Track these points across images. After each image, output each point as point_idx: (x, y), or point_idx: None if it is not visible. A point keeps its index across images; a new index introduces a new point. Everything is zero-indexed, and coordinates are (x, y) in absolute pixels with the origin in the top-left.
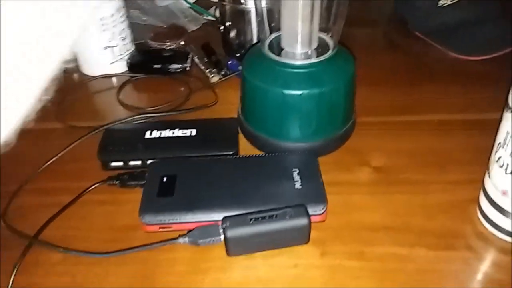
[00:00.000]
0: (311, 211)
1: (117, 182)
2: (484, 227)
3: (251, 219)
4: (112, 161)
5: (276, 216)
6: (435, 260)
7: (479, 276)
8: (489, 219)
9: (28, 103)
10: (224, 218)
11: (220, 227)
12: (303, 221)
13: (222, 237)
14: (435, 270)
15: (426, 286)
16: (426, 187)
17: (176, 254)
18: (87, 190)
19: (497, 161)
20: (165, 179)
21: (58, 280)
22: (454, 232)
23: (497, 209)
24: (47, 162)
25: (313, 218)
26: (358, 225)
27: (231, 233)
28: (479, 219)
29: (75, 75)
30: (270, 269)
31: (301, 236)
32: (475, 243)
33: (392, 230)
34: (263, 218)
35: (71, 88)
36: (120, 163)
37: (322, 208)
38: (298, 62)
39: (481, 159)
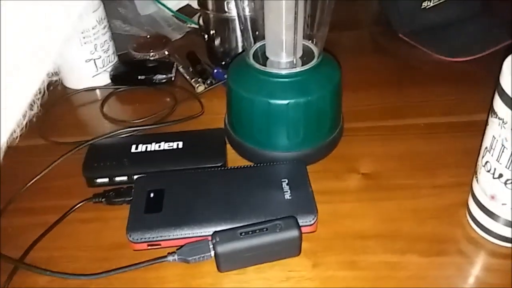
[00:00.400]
0: (301, 222)
1: (103, 199)
2: (474, 231)
3: (241, 233)
4: (97, 178)
5: (267, 229)
6: (427, 266)
7: (471, 281)
8: (479, 223)
9: (14, 117)
10: (214, 233)
11: (210, 242)
12: (294, 233)
13: (212, 253)
14: (427, 276)
15: None
16: (415, 192)
17: (165, 272)
18: (73, 209)
19: (484, 166)
20: (152, 194)
21: None
22: (445, 237)
23: (486, 213)
24: (31, 180)
25: (303, 229)
26: (349, 234)
27: (221, 248)
28: (469, 223)
29: (58, 89)
30: (263, 283)
31: (293, 248)
32: (466, 248)
33: (383, 238)
34: (253, 231)
35: (53, 102)
36: (106, 180)
37: (313, 219)
38: (284, 71)
39: (468, 161)
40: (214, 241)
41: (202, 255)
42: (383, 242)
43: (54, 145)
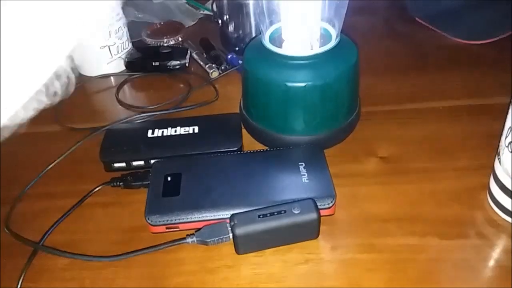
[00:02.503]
0: (319, 204)
1: (121, 183)
2: (496, 213)
3: (259, 216)
4: (114, 162)
5: (285, 211)
6: (447, 249)
7: (492, 264)
8: (501, 205)
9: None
10: (232, 215)
11: (228, 225)
12: (312, 215)
13: (230, 235)
14: (447, 259)
15: (439, 276)
16: (435, 175)
17: (184, 254)
18: (91, 193)
19: (507, 146)
20: (169, 178)
21: (66, 285)
22: (465, 219)
23: (508, 195)
24: (48, 166)
25: (322, 212)
26: (368, 217)
27: (239, 230)
28: (490, 205)
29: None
30: (281, 266)
31: (311, 231)
32: (487, 230)
33: (402, 221)
34: (272, 214)
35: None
36: (123, 164)
37: (331, 202)
38: (301, 54)
39: (489, 144)
40: (232, 223)
41: (221, 237)
42: (402, 225)
43: (71, 132)
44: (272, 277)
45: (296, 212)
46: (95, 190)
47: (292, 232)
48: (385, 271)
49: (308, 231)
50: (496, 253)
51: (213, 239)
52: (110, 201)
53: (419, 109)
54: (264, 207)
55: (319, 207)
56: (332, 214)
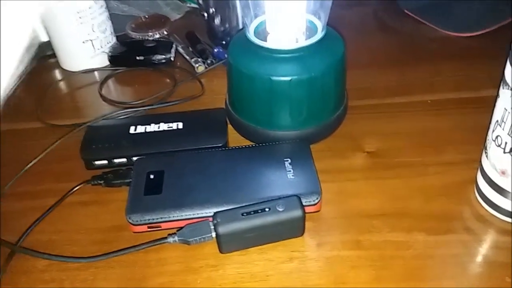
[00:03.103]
0: (305, 201)
1: (102, 181)
2: (483, 208)
3: (242, 214)
4: (95, 160)
5: (269, 209)
6: (435, 245)
7: (479, 259)
8: (488, 199)
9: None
10: (215, 214)
11: (211, 223)
12: (297, 212)
13: (213, 234)
14: (434, 255)
15: (426, 272)
16: (422, 169)
17: (166, 254)
18: (71, 192)
19: (494, 140)
20: (152, 176)
21: (45, 287)
22: (452, 215)
23: (495, 190)
24: (28, 164)
25: (307, 209)
26: (354, 213)
27: (222, 229)
28: (477, 200)
29: (55, 71)
30: (265, 264)
31: (296, 228)
32: (474, 225)
33: (389, 216)
34: (255, 212)
35: (51, 85)
36: (104, 162)
37: (316, 198)
38: (286, 47)
39: (476, 138)
40: (215, 221)
41: (203, 236)
42: (389, 220)
43: (52, 128)
44: (256, 276)
45: (281, 209)
46: (75, 189)
47: (277, 230)
48: (371, 268)
49: (293, 229)
50: (484, 249)
51: (195, 238)
52: (91, 200)
53: (407, 103)
54: (248, 205)
55: (305, 203)
56: (318, 211)
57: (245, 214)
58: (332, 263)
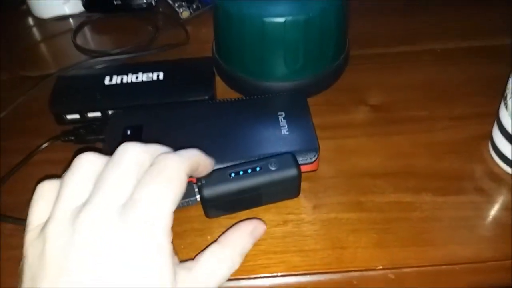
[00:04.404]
0: (301, 159)
1: (73, 137)
2: (498, 166)
3: (230, 174)
4: (67, 114)
5: (260, 168)
6: (443, 206)
7: (492, 222)
8: (504, 156)
9: None
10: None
11: (195, 186)
12: (292, 171)
13: (198, 197)
14: (443, 217)
15: (433, 236)
16: (430, 124)
17: None
18: (39, 149)
19: None
20: (129, 131)
21: (12, 254)
22: (463, 173)
23: None
24: None
25: (303, 168)
26: (355, 172)
27: (208, 192)
28: (491, 157)
29: (26, 19)
30: None
31: (291, 190)
32: (487, 185)
33: (393, 176)
34: (245, 171)
35: (20, 33)
36: (77, 116)
37: (314, 156)
38: None
39: (490, 90)
40: (199, 183)
41: (186, 200)
42: (393, 180)
43: (21, 80)
44: None
45: (273, 168)
46: (43, 146)
47: (269, 191)
48: (373, 232)
49: (287, 190)
50: (497, 211)
51: None
52: (61, 158)
53: (414, 52)
54: (236, 164)
55: (301, 162)
56: (315, 170)
57: (233, 175)
58: (330, 227)
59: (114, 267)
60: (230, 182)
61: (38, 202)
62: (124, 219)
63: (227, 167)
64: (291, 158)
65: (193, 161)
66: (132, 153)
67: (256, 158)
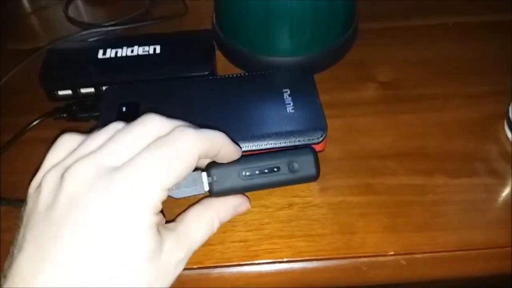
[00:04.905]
0: (307, 139)
1: (65, 114)
2: None
3: (245, 173)
4: (58, 89)
5: (278, 168)
6: (457, 189)
7: (508, 205)
8: None
9: None
10: (209, 166)
11: (203, 176)
12: (310, 174)
13: (206, 189)
14: (456, 200)
15: (447, 220)
16: (443, 102)
17: None
18: (30, 126)
19: None
20: (124, 108)
21: (3, 237)
22: (478, 154)
23: None
24: None
25: None
26: (364, 153)
27: (218, 189)
28: (507, 137)
29: None
30: (261, 211)
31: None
32: (504, 167)
33: (404, 157)
34: (261, 172)
35: (9, 4)
36: (69, 91)
37: (321, 135)
38: None
39: (504, 67)
40: (210, 179)
41: (194, 191)
42: (405, 161)
43: (9, 54)
44: (250, 224)
45: (292, 170)
46: (34, 123)
47: (283, 186)
48: (384, 216)
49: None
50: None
51: (178, 191)
52: (53, 136)
53: (426, 26)
54: (251, 160)
55: (307, 142)
56: (322, 151)
57: (247, 174)
58: (338, 210)
59: (89, 230)
60: (243, 181)
61: (53, 150)
62: (111, 180)
63: (241, 161)
64: (312, 160)
65: (213, 143)
66: (152, 121)
67: (260, 135)
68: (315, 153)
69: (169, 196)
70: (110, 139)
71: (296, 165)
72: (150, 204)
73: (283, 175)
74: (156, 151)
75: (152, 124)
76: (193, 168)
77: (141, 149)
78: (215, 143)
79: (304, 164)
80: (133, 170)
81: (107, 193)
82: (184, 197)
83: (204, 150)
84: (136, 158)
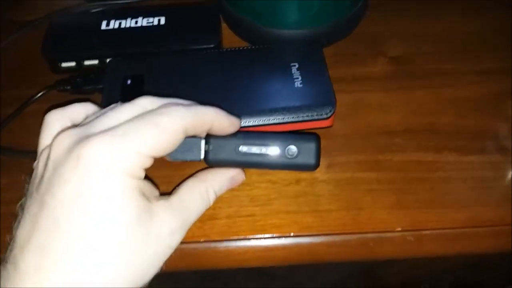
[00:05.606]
0: (315, 114)
1: (69, 87)
2: None
3: (241, 149)
4: (62, 61)
5: (277, 151)
6: (467, 166)
7: None
8: None
9: None
10: (208, 137)
11: (202, 142)
12: (309, 163)
13: (202, 156)
14: (467, 178)
15: (456, 198)
16: (454, 79)
17: (148, 171)
18: (33, 99)
19: None
20: (129, 81)
21: (7, 209)
22: (490, 132)
23: None
24: None
25: (317, 123)
26: (373, 129)
27: (213, 158)
28: None
29: None
30: (268, 187)
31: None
32: None
33: (414, 133)
34: (259, 151)
35: None
36: (72, 63)
37: (330, 111)
38: None
39: None
40: (206, 147)
41: (189, 156)
42: (414, 138)
43: (9, 24)
44: (256, 199)
45: (290, 156)
46: (37, 95)
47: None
48: (392, 193)
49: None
50: None
51: (176, 154)
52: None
53: (439, 0)
54: (251, 137)
55: (315, 117)
56: (330, 126)
57: (244, 150)
58: (345, 187)
59: (61, 198)
60: (238, 156)
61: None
62: (85, 144)
63: (242, 136)
64: (314, 148)
65: (202, 119)
66: (142, 99)
67: (265, 110)
68: (318, 142)
69: (167, 161)
70: (101, 114)
71: (295, 150)
72: (123, 165)
73: (281, 158)
74: (136, 119)
75: (142, 102)
76: (177, 142)
77: (124, 121)
78: (204, 119)
79: (304, 151)
80: (108, 134)
81: (79, 158)
82: (181, 161)
83: (190, 125)
84: (115, 126)
